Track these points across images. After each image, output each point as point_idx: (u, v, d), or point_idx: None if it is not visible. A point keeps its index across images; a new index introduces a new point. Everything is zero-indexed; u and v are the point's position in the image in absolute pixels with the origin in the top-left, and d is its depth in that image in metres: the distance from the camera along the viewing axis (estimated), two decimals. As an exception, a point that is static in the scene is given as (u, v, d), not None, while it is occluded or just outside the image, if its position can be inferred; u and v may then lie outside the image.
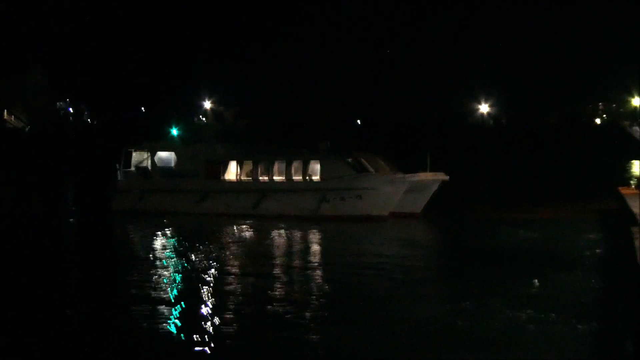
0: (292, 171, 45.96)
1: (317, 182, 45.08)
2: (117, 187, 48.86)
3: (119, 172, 49.19)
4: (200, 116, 55.39)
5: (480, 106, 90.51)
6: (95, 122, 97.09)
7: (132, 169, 49.75)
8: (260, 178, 46.73)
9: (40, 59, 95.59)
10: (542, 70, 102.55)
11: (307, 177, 45.82)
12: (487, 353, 15.79)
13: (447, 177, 45.46)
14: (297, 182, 45.82)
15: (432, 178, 44.72)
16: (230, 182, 47.54)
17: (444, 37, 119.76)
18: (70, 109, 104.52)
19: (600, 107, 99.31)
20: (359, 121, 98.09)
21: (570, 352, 15.88)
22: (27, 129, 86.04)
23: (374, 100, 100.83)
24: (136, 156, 50.09)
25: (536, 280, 22.36)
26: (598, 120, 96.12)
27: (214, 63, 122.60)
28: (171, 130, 51.47)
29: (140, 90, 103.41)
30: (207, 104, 60.50)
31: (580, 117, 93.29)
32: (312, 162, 45.89)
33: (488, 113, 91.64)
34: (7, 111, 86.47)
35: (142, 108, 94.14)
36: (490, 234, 36.97)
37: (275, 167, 46.68)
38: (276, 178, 46.38)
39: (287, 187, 45.75)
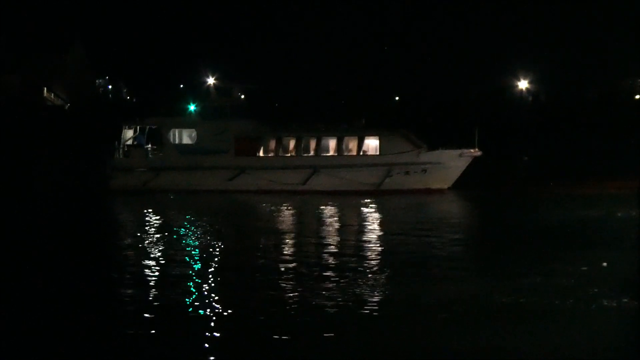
0: (345, 147, 46.64)
1: (382, 157, 46.03)
2: (117, 166, 47.34)
3: (117, 150, 48.11)
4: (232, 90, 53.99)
5: (519, 82, 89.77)
6: (134, 100, 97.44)
7: (122, 146, 48.14)
8: (305, 154, 47.05)
9: (79, 36, 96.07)
10: (580, 46, 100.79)
11: (362, 153, 46.64)
12: (548, 329, 15.88)
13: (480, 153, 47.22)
14: (358, 157, 46.55)
15: (478, 154, 46.43)
16: (270, 159, 47.43)
17: (484, 12, 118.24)
18: (110, 86, 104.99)
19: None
20: (397, 97, 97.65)
21: (627, 330, 15.88)
22: (66, 107, 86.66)
23: (412, 76, 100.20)
24: (124, 134, 48.67)
25: (605, 264, 22.16)
26: (638, 96, 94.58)
27: (231, 35, 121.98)
28: (188, 106, 50.23)
29: (176, 67, 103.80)
30: (211, 80, 59.43)
31: (619, 93, 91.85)
32: (367, 138, 46.74)
33: (527, 89, 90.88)
34: (46, 89, 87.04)
35: (181, 85, 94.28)
36: (536, 210, 37.27)
37: (326, 143, 47.13)
38: (325, 154, 46.83)
39: (346, 163, 46.32)
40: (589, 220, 32.96)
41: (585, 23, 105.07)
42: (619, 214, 34.57)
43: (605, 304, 17.47)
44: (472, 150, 46.52)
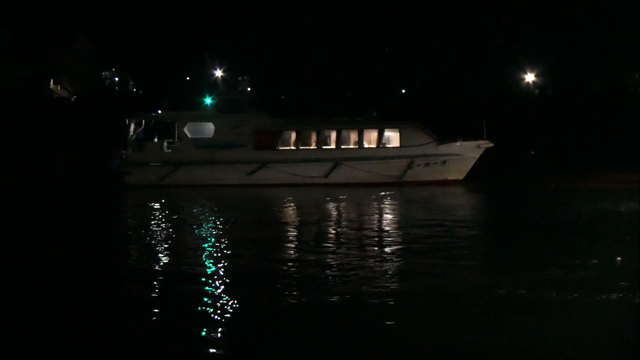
0: (365, 139, 47.40)
1: (404, 149, 47.04)
2: (130, 160, 47.27)
3: (128, 144, 47.85)
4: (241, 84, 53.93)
5: (525, 75, 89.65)
6: (140, 92, 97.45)
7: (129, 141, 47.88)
8: (326, 147, 47.65)
9: (85, 28, 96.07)
10: (587, 39, 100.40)
11: (381, 145, 47.51)
12: (544, 322, 15.81)
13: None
14: (380, 150, 47.46)
15: (491, 145, 47.90)
16: (291, 152, 47.81)
17: (489, 5, 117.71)
18: (116, 79, 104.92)
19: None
20: (403, 90, 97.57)
21: (624, 325, 15.76)
22: (73, 99, 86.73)
23: (417, 69, 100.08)
24: (130, 128, 48.54)
25: (619, 258, 22.07)
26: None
27: (233, 26, 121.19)
28: (204, 99, 50.02)
29: (183, 59, 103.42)
30: (218, 73, 59.14)
31: (626, 87, 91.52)
32: (387, 130, 47.60)
33: (533, 82, 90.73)
34: (53, 81, 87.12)
35: (187, 77, 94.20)
36: (542, 204, 37.56)
37: (346, 135, 47.81)
38: (345, 147, 47.54)
39: (368, 155, 47.09)
40: (596, 214, 33.13)
41: (592, 16, 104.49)
42: (625, 208, 34.64)
43: (623, 297, 17.41)
44: (487, 142, 47.10)
